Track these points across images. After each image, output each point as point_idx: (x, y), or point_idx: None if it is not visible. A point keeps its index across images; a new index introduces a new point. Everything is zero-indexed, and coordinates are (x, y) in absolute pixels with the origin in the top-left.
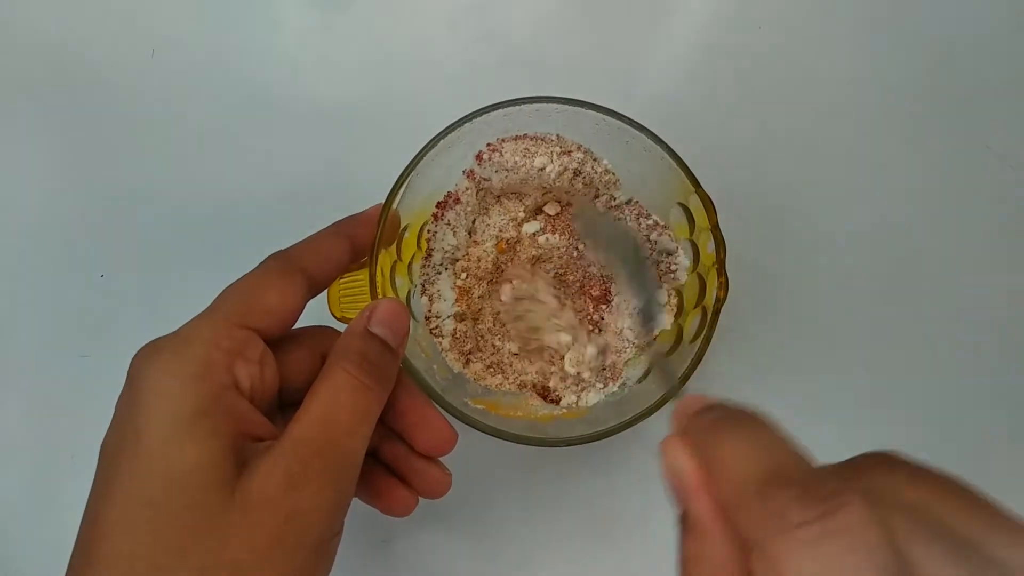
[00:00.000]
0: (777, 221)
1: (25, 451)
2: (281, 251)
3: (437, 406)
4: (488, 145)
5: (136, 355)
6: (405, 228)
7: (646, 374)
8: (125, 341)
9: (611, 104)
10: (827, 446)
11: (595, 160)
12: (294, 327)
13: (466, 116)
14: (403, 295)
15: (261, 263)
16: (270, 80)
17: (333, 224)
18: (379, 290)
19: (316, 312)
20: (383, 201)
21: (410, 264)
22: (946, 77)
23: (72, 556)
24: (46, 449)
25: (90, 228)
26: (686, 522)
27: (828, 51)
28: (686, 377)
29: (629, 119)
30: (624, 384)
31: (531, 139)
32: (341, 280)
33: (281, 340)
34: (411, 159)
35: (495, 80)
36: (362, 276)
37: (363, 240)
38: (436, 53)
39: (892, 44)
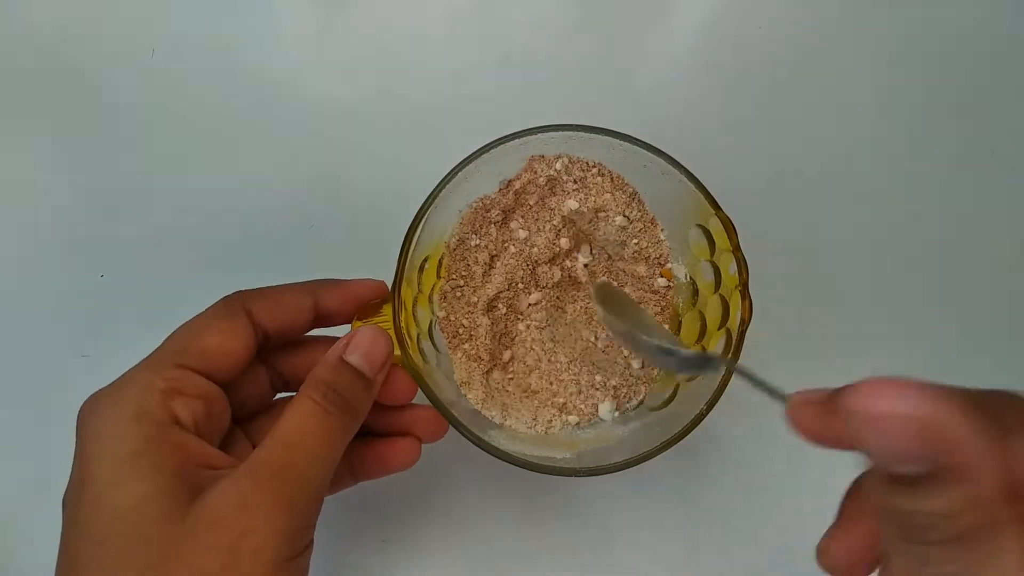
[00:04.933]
0: (775, 225)
1: (25, 451)
2: (235, 292)
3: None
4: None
5: (80, 408)
6: (426, 259)
7: (669, 400)
8: (125, 341)
9: (609, 103)
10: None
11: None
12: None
13: (481, 148)
14: (425, 327)
15: (213, 304)
16: (271, 80)
17: (308, 280)
18: (403, 324)
19: None
20: (404, 234)
21: (430, 295)
22: (950, 80)
23: None
24: (46, 449)
25: (90, 228)
26: (938, 473)
27: (830, 54)
28: (712, 402)
29: (646, 143)
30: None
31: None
32: (363, 320)
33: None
34: (427, 195)
35: (495, 80)
36: (385, 311)
37: (329, 306)
38: (436, 53)
39: (894, 45)
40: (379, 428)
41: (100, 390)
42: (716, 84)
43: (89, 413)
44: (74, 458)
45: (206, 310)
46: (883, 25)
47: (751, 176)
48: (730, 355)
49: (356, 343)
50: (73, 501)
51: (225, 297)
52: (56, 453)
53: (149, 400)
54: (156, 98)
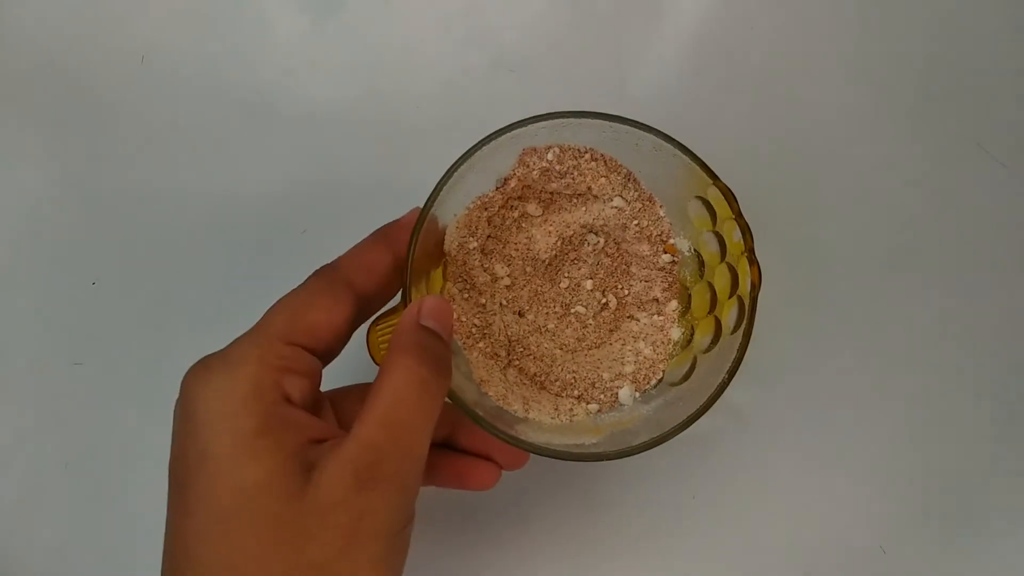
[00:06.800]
0: (767, 220)
1: (18, 459)
2: (327, 265)
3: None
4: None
5: (187, 377)
6: None
7: (688, 374)
8: (118, 348)
9: (603, 103)
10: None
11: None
12: None
13: (472, 147)
14: None
15: (308, 278)
16: (261, 85)
17: (374, 232)
18: None
19: (357, 359)
20: (414, 225)
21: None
22: (939, 74)
23: (163, 567)
24: (39, 457)
25: (82, 234)
26: None
27: (820, 49)
28: (733, 370)
29: (635, 121)
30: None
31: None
32: (378, 326)
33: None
34: (425, 200)
35: (488, 82)
36: (398, 320)
37: (404, 247)
38: (428, 56)
39: (885, 41)
40: (460, 444)
41: (209, 360)
42: (708, 83)
43: (202, 386)
44: (181, 427)
45: (304, 285)
46: (873, 21)
47: (742, 175)
48: (744, 322)
49: (427, 309)
50: (190, 475)
51: (320, 272)
52: (51, 462)
53: (264, 378)
54: (146, 104)
